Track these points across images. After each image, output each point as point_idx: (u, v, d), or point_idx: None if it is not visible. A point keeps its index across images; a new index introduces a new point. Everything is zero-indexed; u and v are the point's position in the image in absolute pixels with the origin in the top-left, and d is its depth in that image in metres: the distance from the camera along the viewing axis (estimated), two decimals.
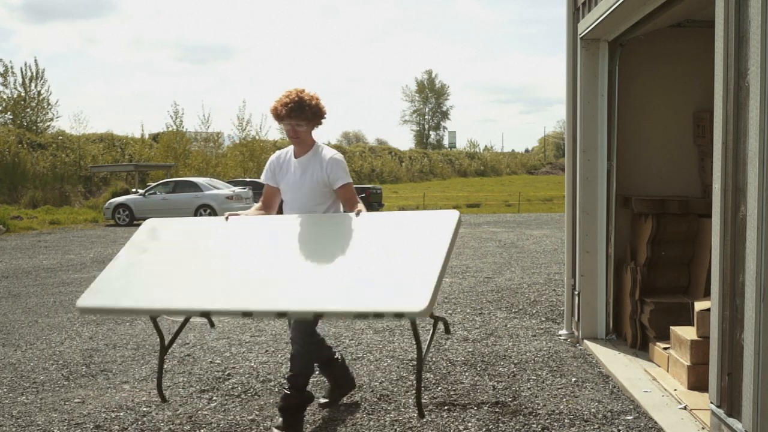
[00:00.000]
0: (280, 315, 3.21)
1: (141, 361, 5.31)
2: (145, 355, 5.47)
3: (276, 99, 3.89)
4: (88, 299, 3.54)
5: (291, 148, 4.06)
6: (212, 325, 4.19)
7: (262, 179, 4.12)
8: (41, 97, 38.23)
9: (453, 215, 3.40)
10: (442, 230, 3.32)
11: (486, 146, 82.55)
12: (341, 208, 3.97)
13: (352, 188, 3.94)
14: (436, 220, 3.43)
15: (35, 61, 54.75)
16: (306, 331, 3.83)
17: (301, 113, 3.82)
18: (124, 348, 5.73)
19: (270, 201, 4.10)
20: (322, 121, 3.97)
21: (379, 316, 3.02)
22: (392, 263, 3.25)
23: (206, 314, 3.26)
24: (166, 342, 3.78)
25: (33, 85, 37.94)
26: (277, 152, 4.12)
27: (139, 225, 19.07)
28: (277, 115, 3.87)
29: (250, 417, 4.05)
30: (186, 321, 4.00)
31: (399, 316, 2.99)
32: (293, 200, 3.96)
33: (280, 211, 4.14)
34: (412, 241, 3.33)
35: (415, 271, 3.13)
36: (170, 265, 3.85)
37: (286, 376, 3.88)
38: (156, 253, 3.96)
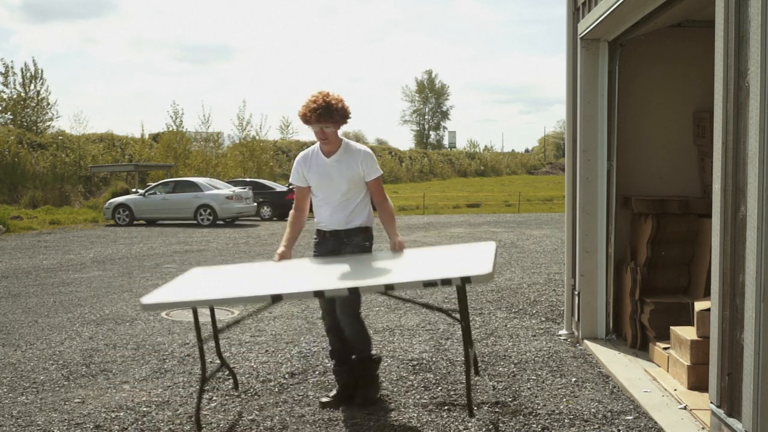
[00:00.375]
0: (352, 291, 3.47)
1: (141, 361, 5.31)
2: (145, 355, 5.46)
3: (303, 105, 4.09)
4: (152, 298, 3.74)
5: (315, 147, 4.28)
6: (236, 386, 4.26)
7: (293, 181, 4.36)
8: (41, 97, 38.26)
9: (491, 243, 4.02)
10: (486, 248, 3.93)
11: (486, 146, 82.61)
12: (371, 201, 4.27)
13: (381, 181, 4.31)
14: (476, 246, 4.07)
15: (33, 61, 54.76)
16: (352, 313, 4.08)
17: (329, 117, 4.05)
18: (124, 348, 5.73)
19: (302, 203, 4.38)
20: (347, 120, 4.18)
21: (446, 282, 3.38)
22: (449, 260, 3.88)
23: (277, 298, 3.50)
24: (207, 373, 4.03)
25: (32, 85, 37.97)
26: (302, 154, 4.33)
27: (139, 225, 18.90)
28: (306, 120, 4.09)
29: (250, 417, 4.05)
30: (221, 366, 4.27)
31: (466, 280, 3.38)
32: (330, 196, 4.21)
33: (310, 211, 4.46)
34: (462, 254, 3.97)
35: (472, 258, 3.73)
36: (231, 276, 4.28)
37: (354, 358, 4.27)
38: (211, 274, 4.34)
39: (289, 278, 3.88)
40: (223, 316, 6.99)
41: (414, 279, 3.54)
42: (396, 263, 3.95)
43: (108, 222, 22.03)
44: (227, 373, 4.89)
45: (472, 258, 3.78)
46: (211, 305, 4.05)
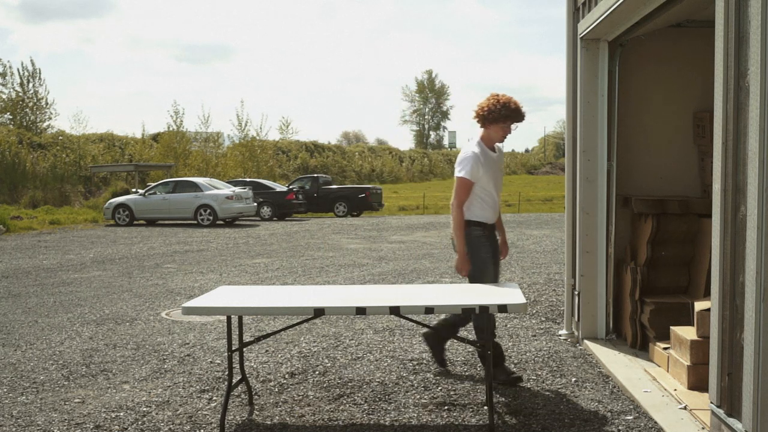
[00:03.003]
0: (393, 310, 3.65)
1: (141, 361, 5.31)
2: (145, 355, 5.46)
3: (509, 101, 4.43)
4: (193, 302, 3.92)
5: (479, 145, 4.48)
6: (251, 402, 4.37)
7: (471, 176, 4.42)
8: (39, 97, 38.26)
9: (515, 284, 4.25)
10: (513, 287, 4.13)
11: None
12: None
13: None
14: (504, 284, 4.29)
15: (31, 61, 54.60)
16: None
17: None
18: (124, 348, 5.73)
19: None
20: None
21: (484, 309, 3.61)
22: (483, 291, 4.10)
23: (320, 312, 3.67)
24: (234, 380, 4.10)
25: (30, 85, 37.99)
26: (474, 151, 4.46)
27: (139, 225, 18.85)
28: (506, 117, 4.43)
29: (251, 417, 4.05)
30: (241, 381, 4.25)
31: (503, 308, 3.61)
32: (497, 190, 4.53)
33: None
34: (493, 288, 4.18)
35: (503, 291, 4.00)
36: (268, 291, 4.46)
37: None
38: (245, 290, 4.46)
39: (332, 295, 4.16)
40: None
41: (453, 303, 3.77)
42: (434, 289, 4.35)
43: (108, 222, 22.04)
44: (227, 372, 4.89)
45: (502, 291, 4.05)
46: (253, 314, 4.26)
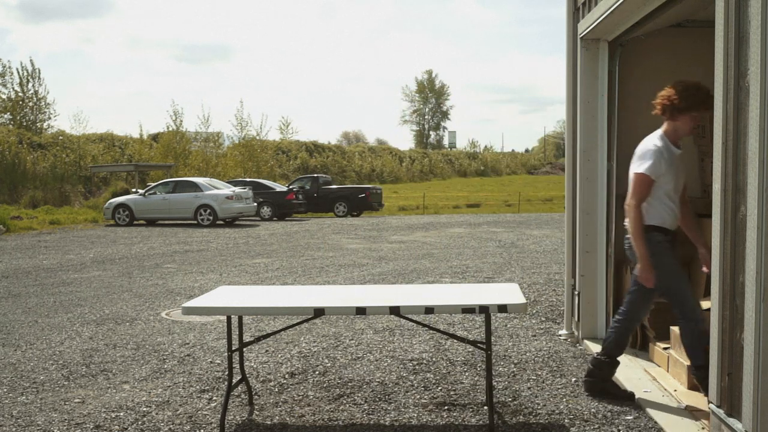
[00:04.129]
0: (393, 310, 3.66)
1: (141, 361, 5.31)
2: (145, 355, 5.46)
3: (698, 87, 3.86)
4: (193, 302, 3.93)
5: (662, 138, 3.95)
6: (251, 402, 4.36)
7: (653, 173, 3.88)
8: (39, 97, 38.28)
9: (515, 284, 4.23)
10: (512, 286, 4.17)
11: (486, 146, 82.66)
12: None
13: None
14: (503, 285, 4.33)
15: (31, 61, 54.59)
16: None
17: None
18: (124, 348, 5.73)
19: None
20: None
21: (483, 309, 3.61)
22: (482, 291, 4.16)
23: (320, 312, 3.68)
24: (234, 380, 4.12)
25: (30, 85, 38.01)
26: (657, 144, 3.93)
27: (139, 225, 18.85)
28: (704, 103, 3.83)
29: (251, 417, 4.05)
30: (241, 381, 4.25)
31: (502, 308, 3.62)
32: (676, 193, 3.98)
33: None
34: (492, 288, 4.24)
35: (502, 291, 4.04)
36: (268, 291, 4.45)
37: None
38: (245, 290, 4.46)
39: (332, 295, 4.17)
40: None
41: (453, 303, 3.76)
42: (434, 289, 4.37)
43: (108, 222, 22.04)
44: (227, 372, 4.89)
45: (502, 291, 4.05)
46: (253, 314, 4.25)
